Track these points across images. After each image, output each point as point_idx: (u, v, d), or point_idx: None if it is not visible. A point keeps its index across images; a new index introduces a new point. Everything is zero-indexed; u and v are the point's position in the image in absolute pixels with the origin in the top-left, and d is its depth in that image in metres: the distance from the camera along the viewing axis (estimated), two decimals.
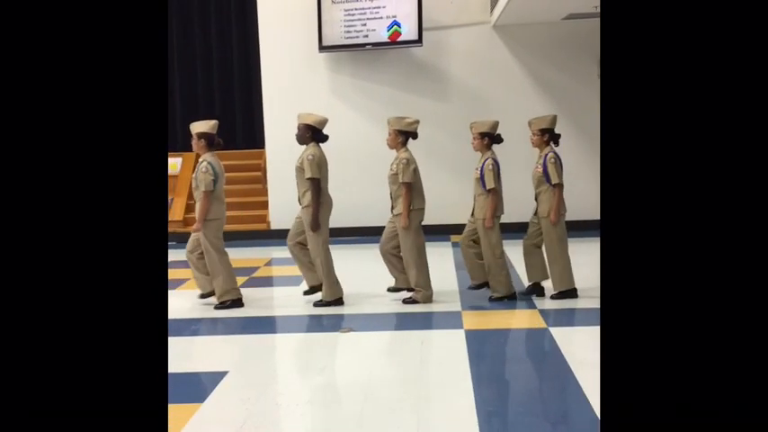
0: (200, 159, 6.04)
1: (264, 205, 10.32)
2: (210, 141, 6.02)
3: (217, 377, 4.30)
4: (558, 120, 6.27)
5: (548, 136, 5.99)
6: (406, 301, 6.01)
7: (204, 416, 3.76)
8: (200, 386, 4.21)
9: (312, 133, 6.05)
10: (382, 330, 5.34)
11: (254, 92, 11.01)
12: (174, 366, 4.65)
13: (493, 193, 5.83)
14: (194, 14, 11.75)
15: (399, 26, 9.32)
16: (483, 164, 5.92)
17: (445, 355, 4.66)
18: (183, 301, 6.40)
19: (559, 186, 5.81)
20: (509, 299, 5.94)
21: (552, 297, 5.96)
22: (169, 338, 5.39)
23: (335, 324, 5.49)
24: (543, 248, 6.06)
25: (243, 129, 11.59)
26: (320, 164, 5.98)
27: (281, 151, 9.99)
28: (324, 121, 6.11)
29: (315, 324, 5.65)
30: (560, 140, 6.12)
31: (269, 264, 8.48)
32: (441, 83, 9.73)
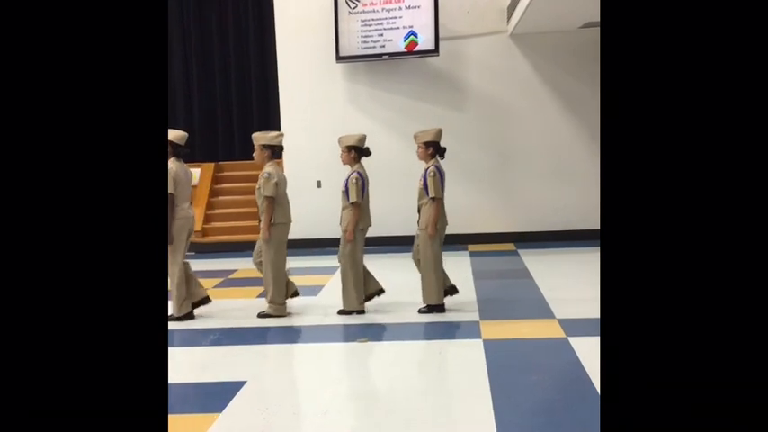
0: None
1: None
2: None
3: (235, 387, 4.31)
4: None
5: (432, 149, 6.02)
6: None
7: (222, 426, 3.77)
8: (218, 396, 4.22)
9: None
10: (400, 340, 5.33)
11: (272, 102, 11.07)
12: (193, 376, 4.67)
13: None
14: (212, 27, 11.85)
15: (416, 36, 9.34)
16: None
17: (464, 365, 4.64)
18: (202, 311, 6.42)
19: (437, 200, 5.86)
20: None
21: (420, 311, 6.02)
22: (189, 348, 5.43)
23: (353, 334, 5.48)
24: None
25: None
26: (176, 179, 5.99)
27: (298, 161, 10.03)
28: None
29: (332, 334, 5.65)
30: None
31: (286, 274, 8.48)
32: (458, 92, 9.73)
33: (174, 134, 6.10)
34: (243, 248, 9.79)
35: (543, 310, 5.96)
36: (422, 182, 5.96)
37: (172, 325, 6.01)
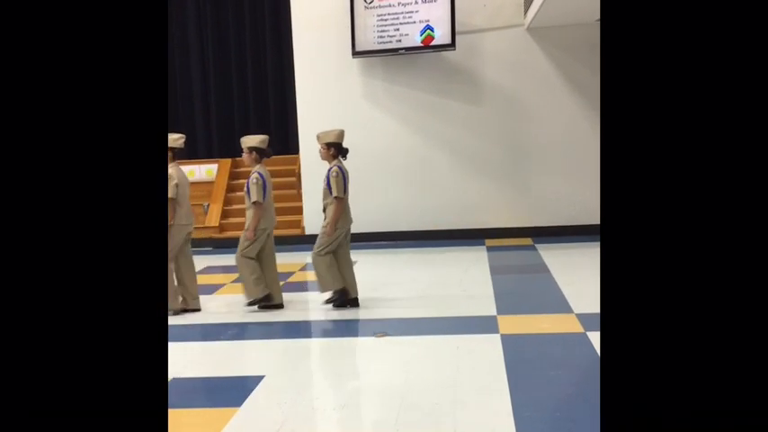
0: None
1: (299, 210, 10.38)
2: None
3: (253, 381, 4.34)
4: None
5: (334, 150, 6.08)
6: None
7: (241, 420, 3.79)
8: (237, 390, 4.24)
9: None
10: (417, 335, 5.33)
11: (289, 98, 11.10)
12: (211, 371, 4.71)
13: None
14: (229, 24, 11.89)
15: (432, 30, 9.32)
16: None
17: (481, 360, 4.63)
18: (220, 306, 6.46)
19: (340, 200, 5.96)
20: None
21: (328, 301, 6.21)
22: (207, 343, 5.46)
23: (371, 329, 5.49)
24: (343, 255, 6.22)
25: (277, 135, 11.66)
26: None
27: (316, 157, 10.04)
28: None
29: (350, 328, 5.66)
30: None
31: (304, 269, 8.52)
32: (474, 86, 9.71)
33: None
34: None
35: (561, 305, 5.95)
36: (325, 182, 6.05)
37: (191, 320, 6.05)
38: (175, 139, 6.14)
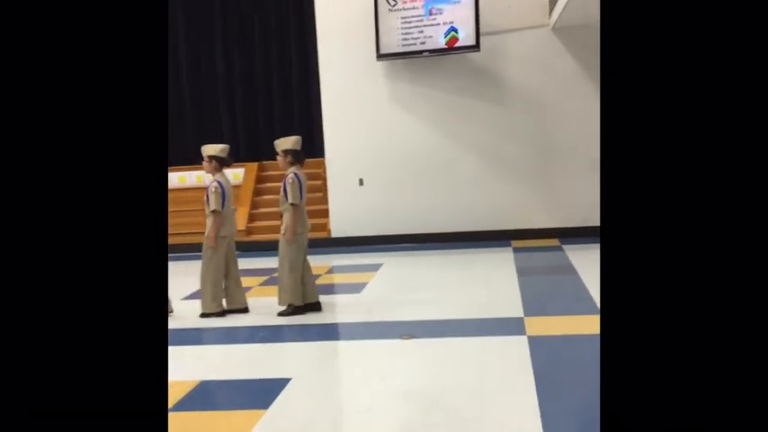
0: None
1: (325, 213, 10.42)
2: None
3: (281, 384, 4.36)
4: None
5: (291, 157, 6.16)
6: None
7: (268, 422, 3.81)
8: (264, 393, 4.27)
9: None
10: (444, 337, 5.32)
11: (313, 101, 11.15)
12: (239, 373, 4.74)
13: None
14: (255, 28, 11.97)
15: (456, 32, 9.30)
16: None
17: (508, 362, 4.61)
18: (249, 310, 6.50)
19: (295, 206, 6.01)
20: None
21: (280, 314, 6.14)
22: (235, 345, 5.50)
23: (397, 331, 5.49)
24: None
25: (303, 138, 11.70)
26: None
27: (341, 160, 10.08)
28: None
29: (376, 331, 5.67)
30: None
31: (330, 272, 8.55)
32: (499, 87, 9.67)
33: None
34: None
35: (588, 306, 5.90)
36: (282, 189, 6.12)
37: (218, 322, 6.09)
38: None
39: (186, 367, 5.00)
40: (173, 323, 6.14)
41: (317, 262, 8.95)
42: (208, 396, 4.36)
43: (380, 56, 9.55)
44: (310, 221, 10.37)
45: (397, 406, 4.03)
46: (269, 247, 10.22)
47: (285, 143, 6.20)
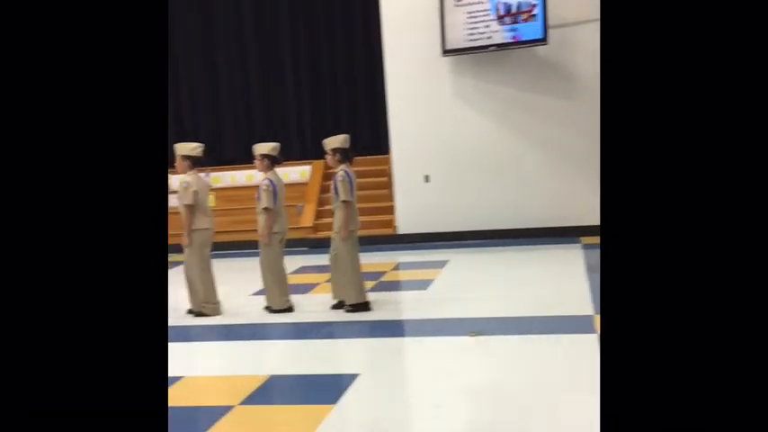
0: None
1: (390, 210, 10.44)
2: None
3: (348, 379, 4.39)
4: None
5: (339, 155, 6.18)
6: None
7: (336, 417, 3.84)
8: (332, 388, 4.30)
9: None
10: (512, 334, 5.26)
11: (379, 98, 11.17)
12: (307, 368, 4.80)
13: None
14: (321, 25, 12.06)
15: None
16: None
17: (577, 360, 4.53)
18: (315, 305, 6.57)
19: (348, 203, 6.01)
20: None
21: (346, 311, 6.15)
22: (303, 341, 5.57)
23: (464, 327, 5.45)
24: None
25: (369, 135, 11.77)
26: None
27: (407, 156, 10.08)
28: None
29: (444, 327, 5.64)
30: None
31: (396, 268, 8.56)
32: (567, 81, 9.50)
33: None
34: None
35: None
36: (333, 187, 6.14)
37: (284, 318, 6.17)
38: (193, 148, 6.37)
39: (255, 362, 5.10)
40: (239, 318, 6.26)
41: (383, 258, 9.00)
42: (277, 390, 4.42)
43: (446, 51, 9.49)
44: (375, 218, 10.51)
45: (464, 403, 4.01)
46: None
47: (334, 142, 6.27)
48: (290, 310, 6.34)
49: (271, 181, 6.24)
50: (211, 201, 6.40)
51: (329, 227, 10.60)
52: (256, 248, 6.42)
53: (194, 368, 5.02)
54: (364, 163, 11.40)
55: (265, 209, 6.18)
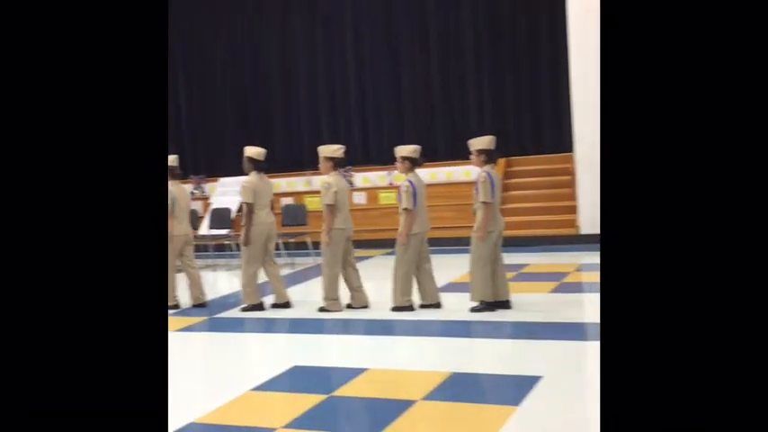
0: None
1: (572, 210, 10.14)
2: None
3: (531, 381, 4.31)
4: None
5: (484, 156, 6.19)
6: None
7: (519, 420, 3.79)
8: (515, 389, 4.25)
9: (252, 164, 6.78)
10: None
11: (562, 96, 10.88)
12: (491, 368, 4.79)
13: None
14: (504, 17, 11.92)
15: None
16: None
17: None
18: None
19: (488, 204, 6.00)
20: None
21: (471, 310, 6.18)
22: (489, 340, 5.55)
23: None
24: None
25: (551, 134, 11.51)
26: (255, 190, 6.66)
27: (592, 154, 9.73)
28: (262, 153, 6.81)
29: None
30: None
31: (579, 269, 8.30)
32: None
33: (254, 151, 6.82)
34: (535, 243, 9.81)
35: None
36: (475, 187, 6.16)
37: (466, 316, 6.17)
38: (335, 150, 6.58)
39: (434, 358, 5.16)
40: (412, 315, 6.33)
41: (565, 259, 8.76)
42: (459, 388, 4.43)
43: None
44: (557, 217, 10.23)
45: None
46: (519, 243, 10.03)
47: (479, 143, 6.28)
48: (410, 308, 6.40)
49: (411, 182, 6.32)
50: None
51: (511, 225, 10.53)
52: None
53: (380, 361, 5.17)
54: (545, 161, 11.18)
55: (405, 209, 6.27)
